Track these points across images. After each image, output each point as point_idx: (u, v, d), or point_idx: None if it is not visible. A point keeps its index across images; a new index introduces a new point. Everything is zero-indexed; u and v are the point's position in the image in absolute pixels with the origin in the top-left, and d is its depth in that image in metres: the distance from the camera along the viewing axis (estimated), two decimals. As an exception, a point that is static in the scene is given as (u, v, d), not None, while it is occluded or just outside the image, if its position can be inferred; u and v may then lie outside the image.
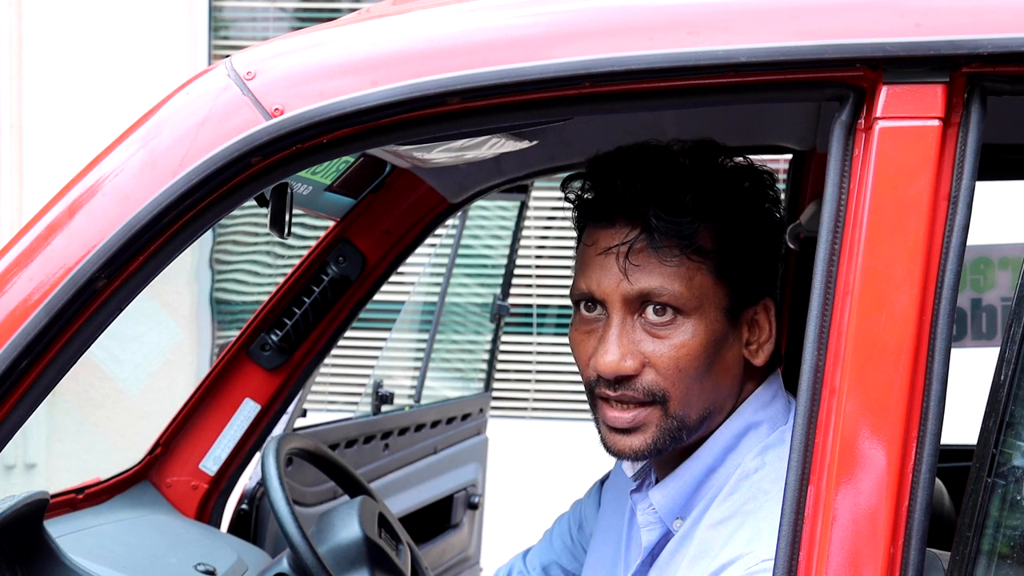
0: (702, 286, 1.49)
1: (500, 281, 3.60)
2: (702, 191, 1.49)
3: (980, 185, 1.22)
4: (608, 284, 1.50)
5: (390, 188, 2.32)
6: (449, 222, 3.09)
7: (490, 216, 5.11)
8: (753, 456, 1.52)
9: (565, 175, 1.62)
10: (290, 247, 5.92)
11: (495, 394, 3.98)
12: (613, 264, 1.50)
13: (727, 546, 1.43)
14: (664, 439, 1.51)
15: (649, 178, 1.49)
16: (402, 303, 4.80)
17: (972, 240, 1.26)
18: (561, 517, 2.02)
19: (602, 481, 1.93)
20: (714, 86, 1.26)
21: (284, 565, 1.88)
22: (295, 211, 1.75)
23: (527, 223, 4.53)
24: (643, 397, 1.50)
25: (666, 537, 1.57)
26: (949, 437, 1.47)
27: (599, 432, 1.56)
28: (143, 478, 2.34)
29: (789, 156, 2.52)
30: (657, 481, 1.61)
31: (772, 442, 1.53)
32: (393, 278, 2.48)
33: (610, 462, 1.85)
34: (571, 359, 1.60)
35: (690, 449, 1.55)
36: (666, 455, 1.56)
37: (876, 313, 1.20)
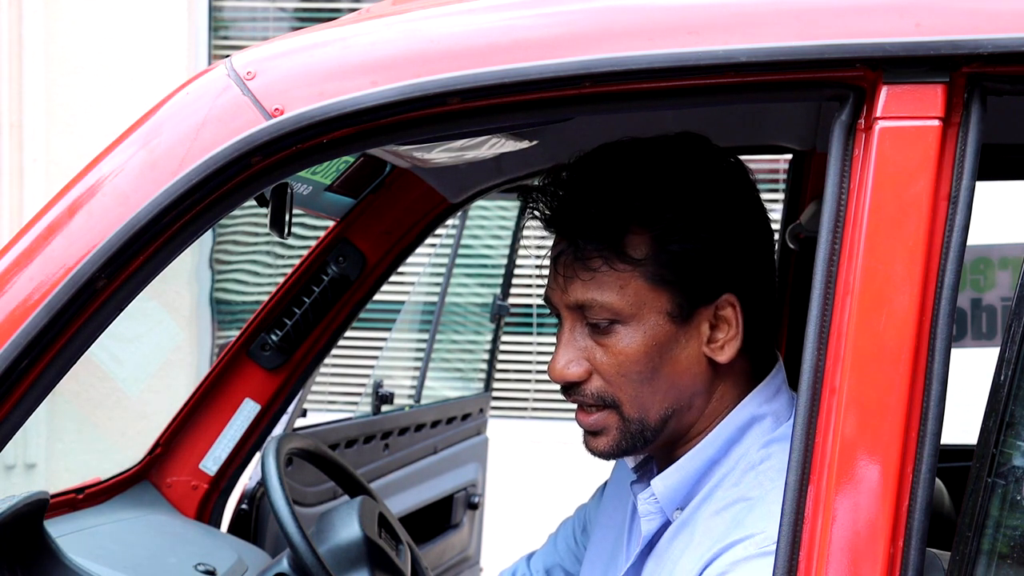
0: (637, 293, 1.49)
1: (500, 281, 3.60)
2: (633, 198, 1.48)
3: (980, 185, 1.22)
4: (553, 294, 1.55)
5: (390, 188, 2.32)
6: (449, 222, 3.09)
7: (490, 216, 5.11)
8: (758, 448, 1.52)
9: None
10: (290, 247, 5.92)
11: (495, 394, 3.98)
12: (555, 275, 1.54)
13: (736, 528, 1.44)
14: (625, 441, 1.54)
15: (577, 189, 1.51)
16: (402, 303, 4.80)
17: (972, 240, 1.26)
18: (565, 521, 2.02)
19: (606, 484, 1.93)
20: (714, 86, 1.26)
21: (284, 565, 1.88)
22: (295, 211, 1.75)
23: (527, 223, 4.52)
24: (593, 402, 1.53)
25: (665, 527, 1.57)
26: (949, 437, 1.47)
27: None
28: (143, 478, 2.34)
29: (789, 156, 2.52)
30: (659, 472, 1.61)
31: (777, 436, 1.53)
32: (393, 278, 2.48)
33: (611, 463, 1.86)
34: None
35: (692, 441, 1.56)
36: (666, 448, 1.57)
37: (876, 313, 1.20)
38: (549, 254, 1.58)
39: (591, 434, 1.56)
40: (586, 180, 1.52)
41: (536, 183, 1.59)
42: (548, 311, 1.59)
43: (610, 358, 1.51)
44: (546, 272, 1.58)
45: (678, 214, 1.49)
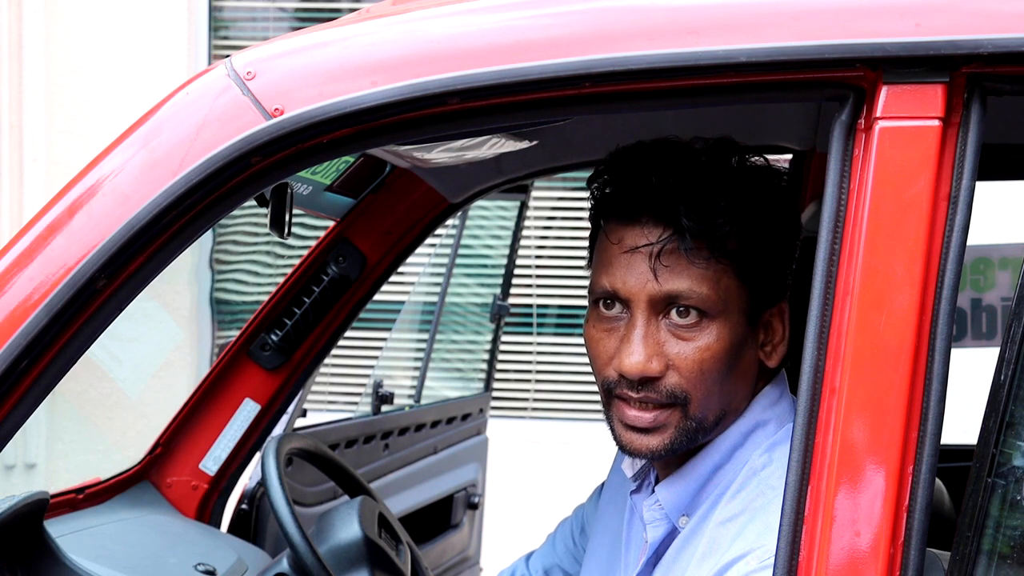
0: (728, 288, 1.48)
1: (500, 281, 3.60)
2: (732, 193, 1.48)
3: (980, 185, 1.22)
4: (634, 284, 1.48)
5: (390, 188, 2.32)
6: (449, 222, 3.09)
7: (490, 216, 5.11)
8: (760, 453, 1.52)
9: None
10: (290, 247, 5.92)
11: (495, 394, 3.98)
12: (641, 263, 1.48)
13: (737, 541, 1.43)
14: (681, 440, 1.50)
15: (680, 176, 1.47)
16: (402, 303, 4.80)
17: (972, 240, 1.26)
18: (564, 521, 2.02)
19: (603, 486, 1.93)
20: (714, 86, 1.26)
21: (284, 565, 1.88)
22: (295, 211, 1.75)
23: (527, 223, 4.53)
24: (665, 399, 1.49)
25: (671, 535, 1.57)
26: (949, 437, 1.47)
27: (613, 430, 1.54)
28: (143, 478, 2.34)
29: (789, 156, 2.52)
30: (658, 479, 1.61)
31: (779, 439, 1.53)
32: (393, 278, 2.48)
33: (608, 464, 1.85)
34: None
35: (697, 447, 1.55)
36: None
37: (876, 313, 1.20)
38: (611, 240, 1.51)
39: (642, 431, 1.50)
40: (692, 168, 1.48)
41: (608, 167, 1.53)
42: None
43: (694, 354, 1.47)
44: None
45: (760, 211, 1.51)
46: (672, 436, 1.50)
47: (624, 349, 1.48)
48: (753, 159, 1.55)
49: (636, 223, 1.49)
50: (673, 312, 1.48)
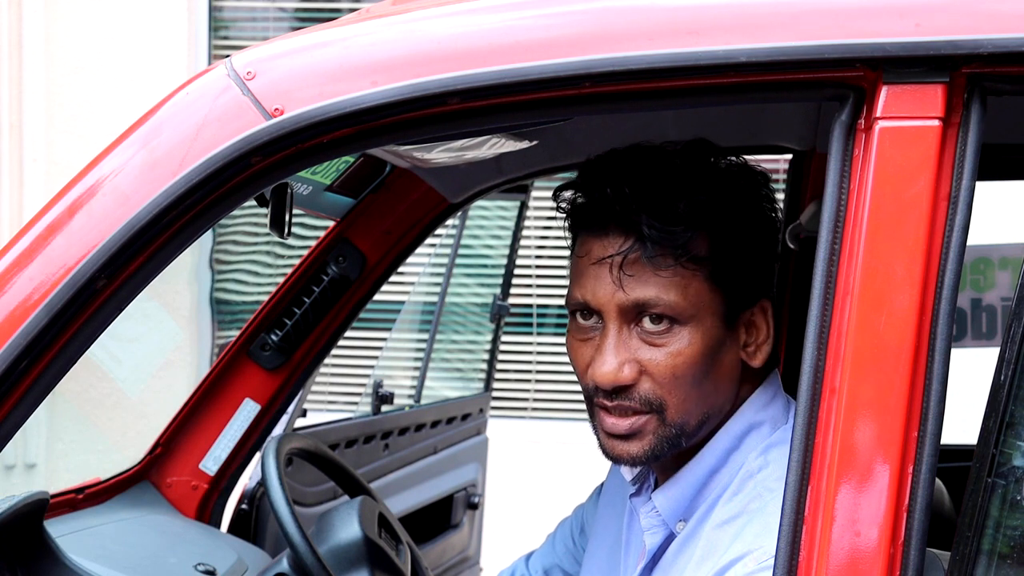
0: (698, 293, 1.48)
1: (500, 281, 3.60)
2: (696, 197, 1.48)
3: (980, 185, 1.22)
4: (603, 295, 1.49)
5: (390, 188, 2.32)
6: (449, 222, 3.09)
7: (490, 216, 5.11)
8: (756, 455, 1.52)
9: (562, 178, 1.60)
10: (290, 247, 5.92)
11: (495, 394, 3.98)
12: (607, 274, 1.49)
13: (735, 543, 1.43)
14: (662, 445, 1.51)
15: (641, 184, 1.47)
16: (402, 303, 4.80)
17: (972, 240, 1.26)
18: (563, 521, 2.02)
19: (602, 486, 1.93)
20: (714, 86, 1.26)
21: (284, 565, 1.88)
22: (295, 211, 1.75)
23: (527, 223, 4.52)
24: (639, 406, 1.49)
25: (669, 539, 1.57)
26: (949, 437, 1.47)
27: (597, 437, 1.55)
28: (143, 478, 2.34)
29: (789, 156, 2.52)
30: (657, 483, 1.61)
31: (774, 441, 1.53)
32: (393, 278, 2.48)
33: (608, 463, 1.85)
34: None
35: (691, 451, 1.55)
36: (672, 457, 1.56)
37: (876, 313, 1.20)
38: (579, 253, 1.53)
39: (622, 438, 1.51)
40: (653, 178, 1.49)
41: (575, 179, 1.54)
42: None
43: (666, 360, 1.48)
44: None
45: (732, 214, 1.50)
46: (652, 442, 1.51)
47: (597, 359, 1.50)
48: (728, 160, 1.54)
49: (601, 234, 1.50)
50: (644, 319, 1.49)
